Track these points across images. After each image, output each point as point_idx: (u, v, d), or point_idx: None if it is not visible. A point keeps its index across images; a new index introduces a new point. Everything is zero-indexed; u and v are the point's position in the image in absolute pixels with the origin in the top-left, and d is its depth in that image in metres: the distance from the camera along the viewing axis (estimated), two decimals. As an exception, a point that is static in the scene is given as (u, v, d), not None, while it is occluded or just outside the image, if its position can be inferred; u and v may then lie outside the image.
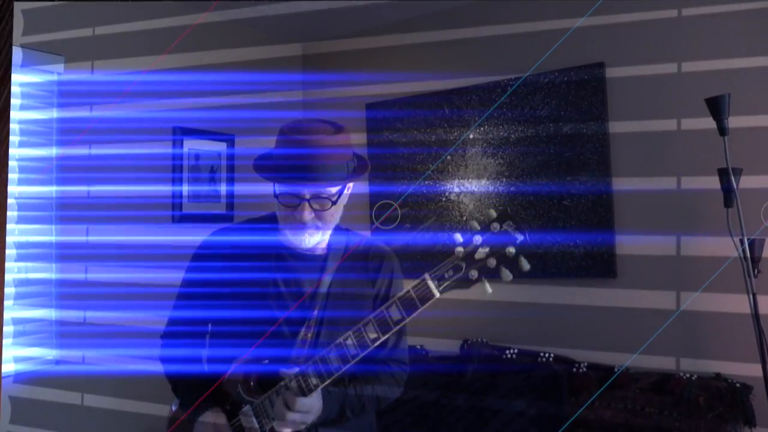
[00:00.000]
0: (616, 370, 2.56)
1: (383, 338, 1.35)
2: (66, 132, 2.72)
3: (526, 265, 1.26)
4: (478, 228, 1.29)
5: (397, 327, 1.34)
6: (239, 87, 3.13)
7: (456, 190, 3.15)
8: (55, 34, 2.66)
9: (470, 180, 3.11)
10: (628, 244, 2.69)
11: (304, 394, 1.39)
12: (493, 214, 1.29)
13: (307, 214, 1.44)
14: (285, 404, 1.40)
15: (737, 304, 2.08)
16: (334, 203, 1.46)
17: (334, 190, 1.45)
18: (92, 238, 2.74)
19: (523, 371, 2.65)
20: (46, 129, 2.68)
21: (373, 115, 3.43)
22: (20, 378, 2.53)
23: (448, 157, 3.18)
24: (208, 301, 1.53)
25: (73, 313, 2.70)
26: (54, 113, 2.71)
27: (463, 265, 1.30)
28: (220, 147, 3.31)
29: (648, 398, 2.41)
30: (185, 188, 3.16)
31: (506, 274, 1.26)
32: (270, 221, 1.55)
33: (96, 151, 2.76)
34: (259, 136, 3.24)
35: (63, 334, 2.70)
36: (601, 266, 2.74)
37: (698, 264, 2.41)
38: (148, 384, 2.85)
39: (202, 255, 1.57)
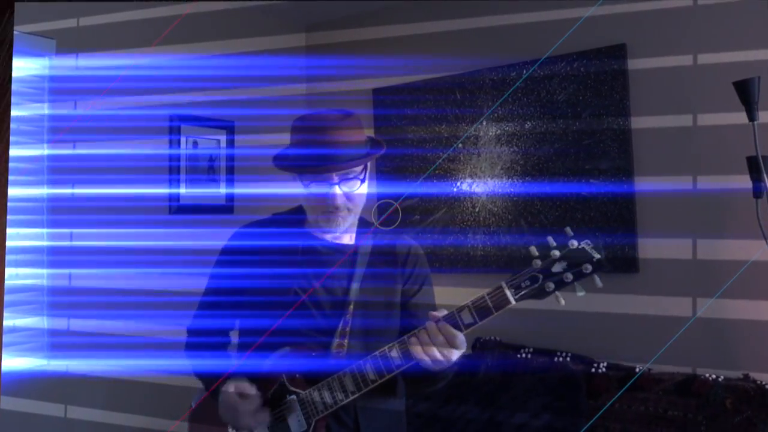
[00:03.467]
0: (637, 370, 2.53)
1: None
2: (57, 130, 2.72)
3: (599, 283, 1.40)
4: (555, 244, 1.42)
5: (467, 330, 1.45)
6: (239, 71, 3.12)
7: (468, 180, 3.13)
8: (45, 25, 2.67)
9: (483, 170, 3.09)
10: (651, 237, 2.66)
11: (359, 389, 1.50)
12: (570, 231, 1.42)
13: (339, 197, 1.55)
14: (442, 338, 1.46)
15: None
16: (362, 181, 1.58)
17: (359, 169, 1.57)
18: (83, 244, 2.74)
19: (539, 371, 2.63)
20: (36, 127, 2.67)
21: (381, 101, 3.41)
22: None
23: (460, 145, 3.15)
24: (235, 307, 1.63)
25: (66, 322, 2.71)
26: (45, 109, 2.71)
27: (540, 277, 1.42)
28: (220, 135, 3.30)
29: (671, 401, 2.38)
30: (182, 178, 3.15)
31: (580, 289, 1.42)
32: (296, 213, 1.66)
33: (88, 148, 2.76)
34: (260, 122, 3.25)
35: (54, 343, 2.71)
36: (622, 260, 2.70)
37: (727, 261, 2.38)
38: (141, 395, 2.88)
39: (227, 260, 1.68)
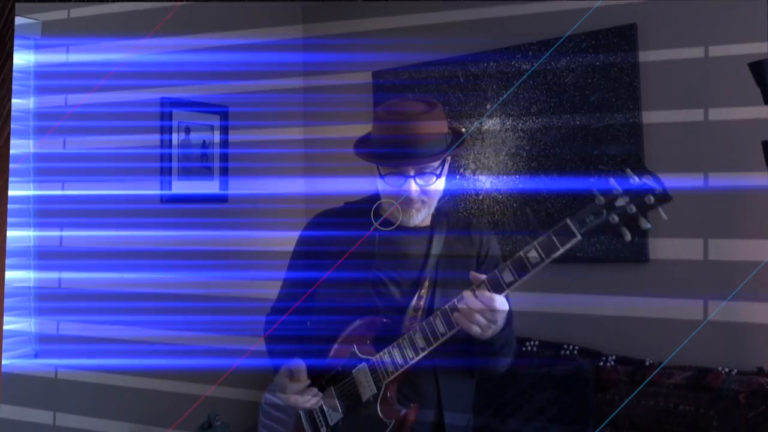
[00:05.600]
0: (647, 363, 2.52)
1: (519, 281, 1.52)
2: (44, 119, 2.71)
3: (664, 215, 1.45)
4: (617, 185, 1.46)
5: (535, 269, 1.50)
6: (233, 54, 3.10)
7: (471, 166, 3.11)
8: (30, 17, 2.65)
9: (487, 155, 3.07)
10: (663, 227, 2.64)
11: (429, 344, 1.56)
12: (630, 171, 1.46)
13: (414, 191, 1.64)
14: (479, 301, 1.52)
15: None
16: (438, 176, 1.66)
17: (436, 164, 1.65)
18: (72, 234, 2.73)
19: (545, 365, 2.62)
20: (21, 122, 2.65)
21: (381, 85, 3.39)
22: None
23: (463, 130, 3.12)
24: (311, 298, 1.72)
25: (54, 322, 2.70)
26: (30, 104, 2.69)
27: (604, 211, 1.46)
28: (213, 120, 3.28)
29: (682, 395, 2.37)
30: (174, 166, 3.13)
31: (644, 222, 1.45)
32: (371, 202, 1.73)
33: (76, 138, 2.74)
34: (255, 108, 3.23)
35: (43, 347, 2.70)
36: (631, 250, 2.69)
37: (739, 261, 2.37)
38: (133, 401, 2.88)
39: (303, 251, 1.78)
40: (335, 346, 1.68)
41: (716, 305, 2.41)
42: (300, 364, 1.64)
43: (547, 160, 2.90)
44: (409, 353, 1.59)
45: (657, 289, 2.60)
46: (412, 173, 1.63)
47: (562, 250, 1.48)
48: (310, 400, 1.64)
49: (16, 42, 2.61)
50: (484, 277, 1.54)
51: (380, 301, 1.68)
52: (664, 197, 1.44)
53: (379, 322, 1.65)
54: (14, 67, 2.62)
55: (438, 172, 1.66)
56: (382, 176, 1.66)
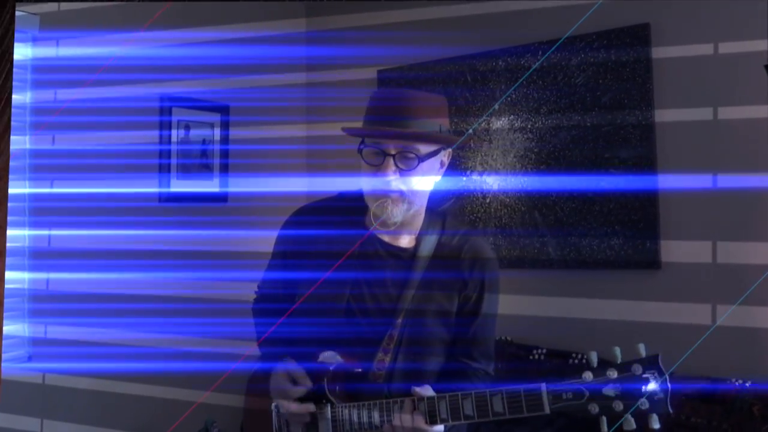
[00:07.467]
0: (658, 374, 2.50)
1: (476, 421, 1.38)
2: (41, 117, 2.69)
3: (656, 424, 1.25)
4: (618, 361, 1.29)
5: (495, 419, 1.36)
6: (234, 48, 3.08)
7: (479, 168, 3.08)
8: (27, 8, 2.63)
9: (495, 157, 3.04)
10: (675, 231, 2.62)
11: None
12: (642, 352, 1.29)
13: (391, 171, 1.45)
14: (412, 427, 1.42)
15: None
16: (421, 160, 1.47)
17: (421, 147, 1.47)
18: (66, 233, 2.71)
19: (552, 374, 2.59)
20: (16, 118, 2.64)
21: (386, 81, 3.36)
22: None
23: (471, 131, 3.11)
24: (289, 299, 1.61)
25: (46, 328, 2.69)
26: (27, 99, 2.67)
27: (586, 395, 1.30)
28: (213, 117, 3.26)
29: (694, 407, 2.35)
30: (173, 164, 3.11)
31: (630, 423, 1.26)
32: (358, 203, 1.57)
33: (73, 134, 2.72)
34: (257, 104, 3.20)
35: (35, 352, 2.68)
36: (642, 256, 2.66)
37: (751, 264, 2.35)
38: (124, 405, 2.87)
39: (280, 251, 1.65)
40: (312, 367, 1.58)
41: (727, 311, 2.39)
42: (299, 369, 1.54)
43: (557, 163, 2.87)
44: (365, 420, 1.49)
45: (670, 296, 2.58)
46: (392, 152, 1.45)
47: (525, 415, 1.34)
48: (308, 408, 1.56)
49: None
50: (430, 394, 1.41)
51: (351, 329, 1.56)
52: (662, 409, 1.25)
53: (351, 364, 1.55)
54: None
55: (422, 155, 1.47)
56: (360, 150, 1.50)
